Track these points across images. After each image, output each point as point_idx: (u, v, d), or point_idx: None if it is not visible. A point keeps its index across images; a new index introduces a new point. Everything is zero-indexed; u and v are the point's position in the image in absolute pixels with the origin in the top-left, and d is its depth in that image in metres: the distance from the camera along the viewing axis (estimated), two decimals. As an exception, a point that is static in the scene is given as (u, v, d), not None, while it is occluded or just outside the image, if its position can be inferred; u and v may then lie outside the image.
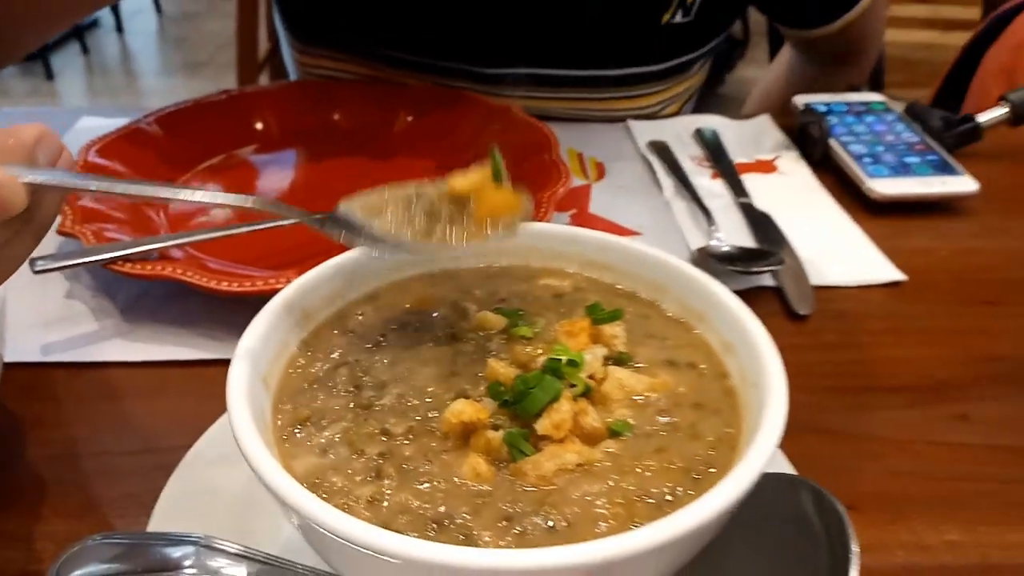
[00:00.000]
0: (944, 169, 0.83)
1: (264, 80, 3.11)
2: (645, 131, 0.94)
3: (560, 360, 0.41)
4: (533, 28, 0.85)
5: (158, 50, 4.70)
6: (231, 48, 3.05)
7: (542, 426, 0.38)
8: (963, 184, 0.82)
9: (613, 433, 0.40)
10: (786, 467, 0.49)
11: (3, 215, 0.37)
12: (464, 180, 0.49)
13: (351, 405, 0.42)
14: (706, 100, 1.29)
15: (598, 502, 0.36)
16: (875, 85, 1.29)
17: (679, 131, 0.94)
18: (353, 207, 0.48)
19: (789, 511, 0.40)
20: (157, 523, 0.45)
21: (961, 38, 1.45)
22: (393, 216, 0.48)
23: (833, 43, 1.10)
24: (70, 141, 0.87)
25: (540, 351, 0.43)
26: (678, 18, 0.94)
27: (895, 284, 0.71)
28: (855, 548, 0.36)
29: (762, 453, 0.35)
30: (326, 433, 0.40)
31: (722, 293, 0.45)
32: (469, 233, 0.48)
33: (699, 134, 0.92)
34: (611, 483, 0.37)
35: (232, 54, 3.09)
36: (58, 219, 0.66)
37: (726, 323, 0.44)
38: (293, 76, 1.28)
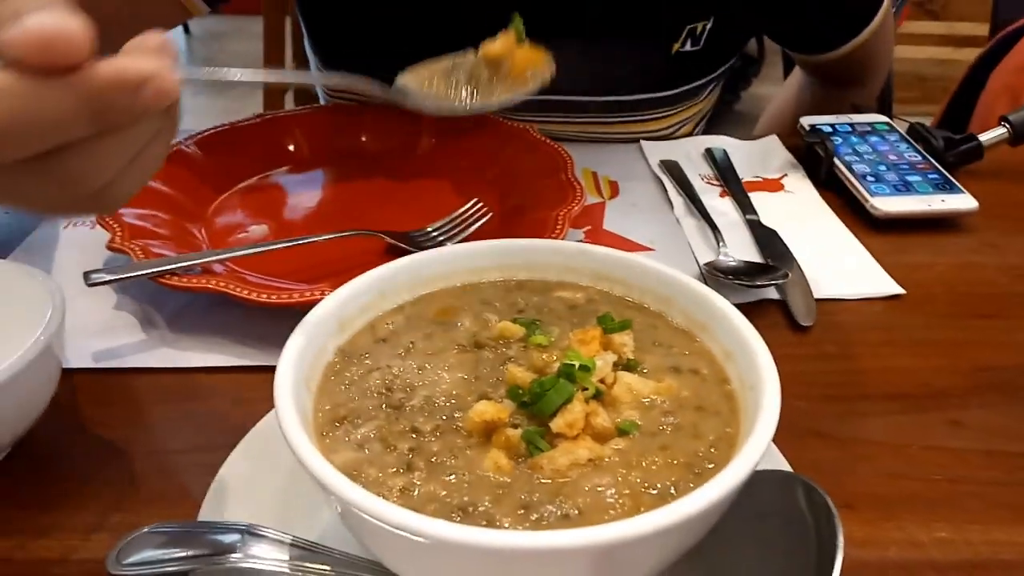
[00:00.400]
0: (945, 187, 0.87)
1: (289, 100, 3.18)
2: (657, 151, 0.98)
3: (573, 365, 0.45)
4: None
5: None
6: (257, 68, 3.12)
7: (557, 425, 0.42)
8: (963, 202, 0.85)
9: (621, 432, 0.43)
10: (783, 467, 0.52)
11: (163, 103, 0.38)
12: (495, 45, 0.62)
13: (383, 406, 0.46)
14: (722, 116, 1.33)
15: (607, 493, 0.40)
16: (883, 105, 1.32)
17: (689, 150, 0.98)
18: (408, 80, 0.61)
19: (783, 505, 0.44)
20: (206, 514, 0.49)
21: (973, 54, 1.49)
22: (440, 84, 0.60)
23: (842, 67, 1.13)
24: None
25: (555, 357, 0.47)
26: (688, 47, 0.99)
27: (894, 297, 0.75)
28: (841, 538, 0.40)
29: (756, 450, 0.39)
30: (362, 430, 0.44)
31: (723, 305, 0.49)
32: (514, 86, 0.61)
33: (709, 153, 0.96)
34: (619, 476, 0.41)
35: (257, 73, 3.16)
36: (107, 236, 0.72)
37: (727, 333, 0.48)
38: (321, 99, 1.34)
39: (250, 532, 0.47)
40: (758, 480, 0.43)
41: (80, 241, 0.80)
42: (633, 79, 1.02)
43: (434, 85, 0.61)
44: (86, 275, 0.65)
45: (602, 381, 0.46)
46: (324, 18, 1.09)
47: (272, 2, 2.70)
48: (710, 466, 0.42)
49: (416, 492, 0.40)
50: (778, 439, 0.53)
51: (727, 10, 0.99)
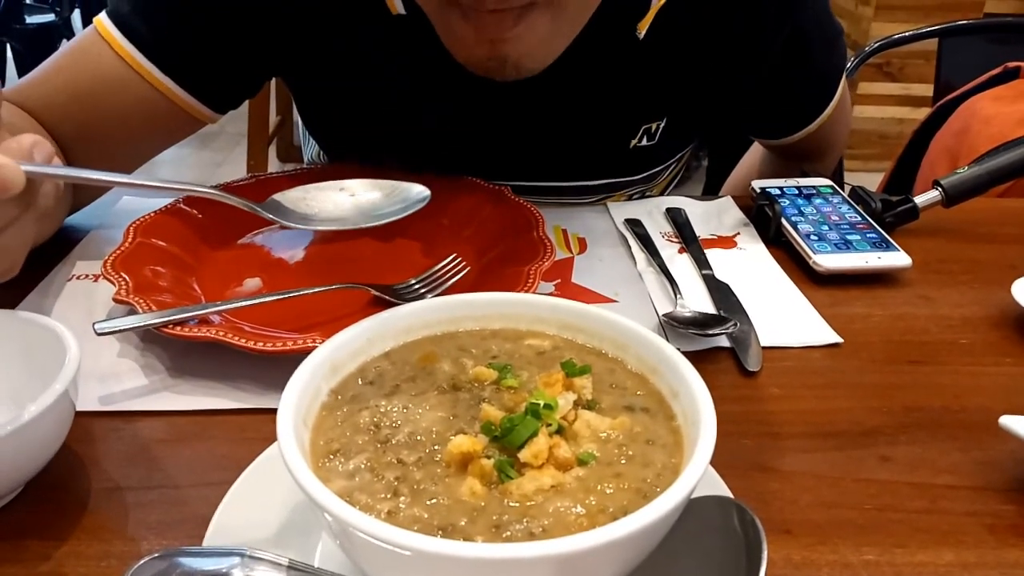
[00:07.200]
0: (882, 245, 0.95)
1: (272, 151, 3.25)
2: (622, 210, 1.05)
3: (539, 404, 0.50)
4: (517, 153, 1.00)
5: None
6: (241, 120, 3.21)
7: (524, 456, 0.48)
8: (898, 259, 0.93)
9: (581, 462, 0.49)
10: (726, 494, 0.59)
11: (5, 194, 0.45)
12: None
13: (372, 440, 0.51)
14: (687, 173, 1.42)
15: (568, 514, 0.46)
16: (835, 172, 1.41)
17: (651, 210, 1.06)
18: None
19: (721, 524, 0.50)
20: (209, 541, 0.54)
21: (927, 114, 1.60)
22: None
23: (798, 146, 1.20)
24: (114, 219, 0.99)
25: (524, 397, 0.52)
26: (644, 142, 1.06)
27: (834, 345, 0.82)
28: (765, 551, 0.46)
29: (693, 476, 0.45)
30: (353, 462, 0.50)
31: (671, 351, 0.56)
32: None
33: (669, 212, 1.05)
34: (578, 500, 0.47)
35: (241, 126, 3.25)
36: (114, 289, 0.78)
37: (673, 375, 0.54)
38: (305, 157, 1.41)
39: (250, 556, 0.51)
40: (701, 504, 0.50)
41: (81, 293, 0.86)
42: (593, 168, 1.09)
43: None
44: (95, 325, 0.71)
45: (564, 418, 0.51)
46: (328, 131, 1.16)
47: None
48: (656, 490, 0.48)
49: (402, 514, 0.46)
50: (726, 472, 0.60)
51: (679, 111, 1.06)
